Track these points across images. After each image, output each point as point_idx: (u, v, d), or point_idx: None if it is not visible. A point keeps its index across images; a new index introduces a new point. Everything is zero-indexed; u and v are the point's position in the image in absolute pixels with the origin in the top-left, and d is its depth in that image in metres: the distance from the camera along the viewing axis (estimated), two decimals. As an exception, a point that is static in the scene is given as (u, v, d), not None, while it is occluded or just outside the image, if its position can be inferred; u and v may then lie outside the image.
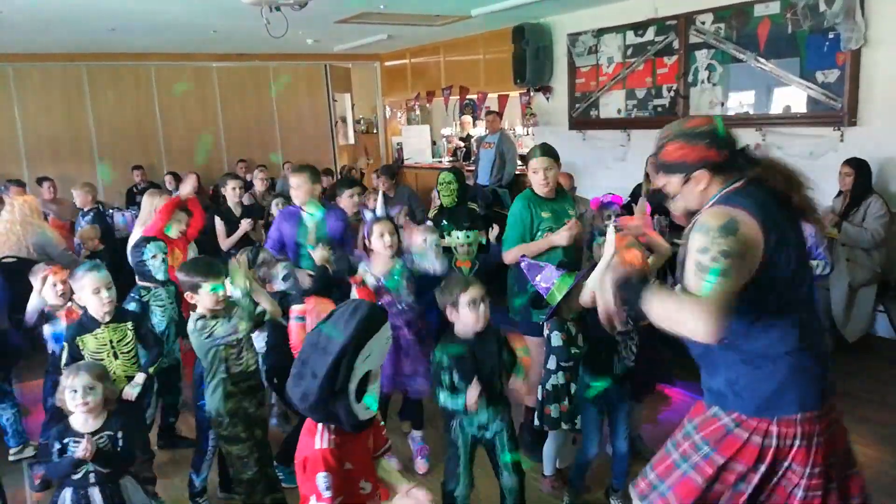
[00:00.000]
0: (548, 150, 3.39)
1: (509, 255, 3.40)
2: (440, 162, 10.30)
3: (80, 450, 2.46)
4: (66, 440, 2.52)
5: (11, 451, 3.78)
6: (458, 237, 4.15)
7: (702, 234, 1.70)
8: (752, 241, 1.71)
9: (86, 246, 5.20)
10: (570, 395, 3.03)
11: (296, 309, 3.24)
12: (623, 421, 3.07)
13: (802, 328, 1.82)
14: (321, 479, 1.78)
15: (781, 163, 1.87)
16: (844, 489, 1.89)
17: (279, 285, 3.47)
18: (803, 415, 1.81)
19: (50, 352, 3.45)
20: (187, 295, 2.88)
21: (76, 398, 2.53)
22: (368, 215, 3.61)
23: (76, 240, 5.51)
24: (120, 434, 2.60)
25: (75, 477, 2.51)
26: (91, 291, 3.03)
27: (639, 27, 6.46)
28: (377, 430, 2.06)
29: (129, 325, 3.15)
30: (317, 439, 1.81)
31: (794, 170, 1.85)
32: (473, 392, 2.52)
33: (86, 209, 6.30)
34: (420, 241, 3.44)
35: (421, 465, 3.56)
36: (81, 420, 2.56)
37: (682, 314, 1.66)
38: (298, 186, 3.90)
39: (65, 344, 3.08)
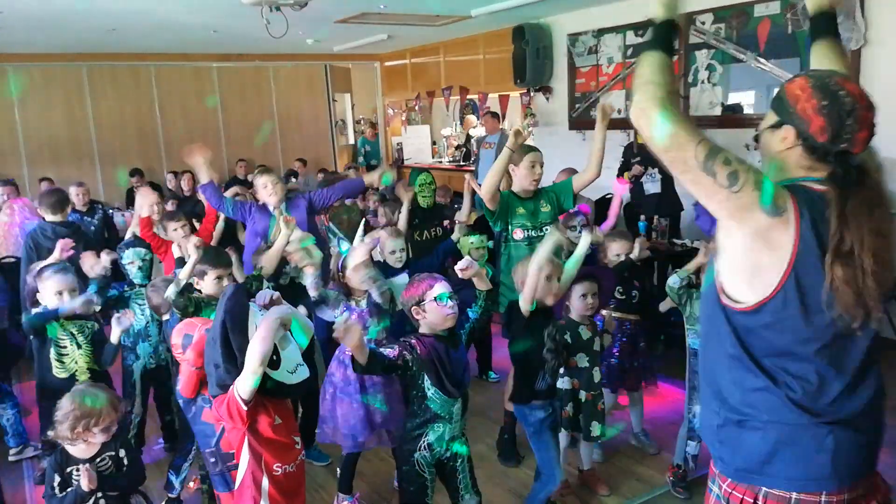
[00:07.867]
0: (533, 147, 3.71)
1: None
2: (440, 162, 10.30)
3: (83, 483, 2.23)
4: (67, 470, 2.28)
5: (11, 451, 3.77)
6: (471, 241, 3.89)
7: None
8: (777, 230, 1.35)
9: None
10: (576, 401, 3.02)
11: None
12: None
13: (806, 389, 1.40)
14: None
15: (885, 199, 1.39)
16: None
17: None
18: (800, 495, 1.40)
19: None
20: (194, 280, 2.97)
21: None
22: (344, 246, 3.14)
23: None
24: (122, 452, 2.39)
25: None
26: (54, 293, 3.05)
27: (639, 27, 6.46)
28: None
29: (91, 324, 3.20)
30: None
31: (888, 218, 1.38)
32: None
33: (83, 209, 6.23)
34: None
35: None
36: (81, 446, 2.31)
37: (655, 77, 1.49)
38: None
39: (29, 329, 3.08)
